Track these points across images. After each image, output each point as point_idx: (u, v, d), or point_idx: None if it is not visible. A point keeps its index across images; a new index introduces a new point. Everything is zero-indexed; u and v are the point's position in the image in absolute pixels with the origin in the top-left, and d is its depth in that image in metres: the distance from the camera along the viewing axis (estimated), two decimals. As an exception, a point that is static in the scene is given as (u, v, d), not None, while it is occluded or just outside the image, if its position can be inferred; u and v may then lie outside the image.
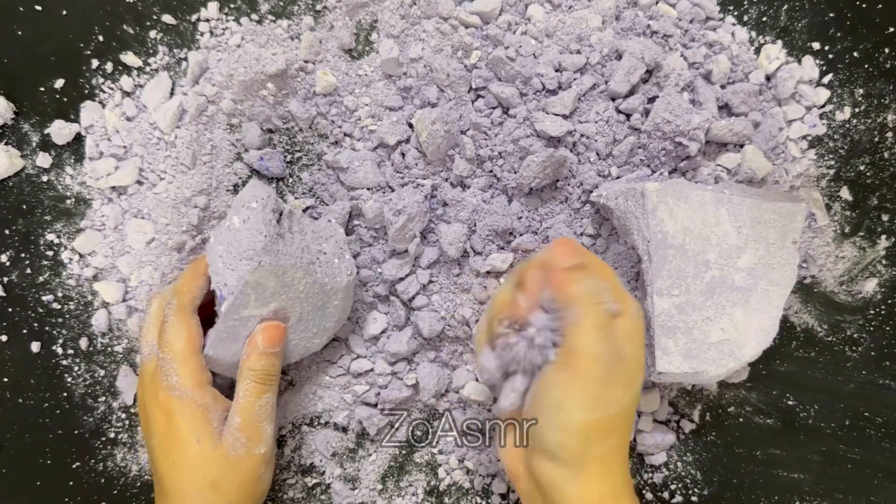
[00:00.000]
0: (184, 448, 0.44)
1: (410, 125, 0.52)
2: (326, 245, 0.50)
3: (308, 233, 0.50)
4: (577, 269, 0.40)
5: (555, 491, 0.39)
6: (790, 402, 0.57)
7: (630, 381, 0.40)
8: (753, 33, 0.54)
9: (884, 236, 0.55)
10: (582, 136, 0.51)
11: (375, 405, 0.56)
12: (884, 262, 0.56)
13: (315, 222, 0.51)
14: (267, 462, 0.47)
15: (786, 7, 0.54)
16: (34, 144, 0.53)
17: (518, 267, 0.45)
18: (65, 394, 0.54)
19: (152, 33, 0.53)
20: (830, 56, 0.54)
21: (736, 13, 0.54)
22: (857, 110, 0.54)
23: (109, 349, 0.55)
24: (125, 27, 0.53)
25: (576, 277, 0.40)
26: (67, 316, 0.54)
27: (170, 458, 0.44)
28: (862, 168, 0.55)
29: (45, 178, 0.53)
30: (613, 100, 0.51)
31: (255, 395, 0.45)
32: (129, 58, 0.53)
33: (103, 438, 0.55)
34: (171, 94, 0.53)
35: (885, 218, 0.55)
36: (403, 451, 0.58)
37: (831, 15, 0.54)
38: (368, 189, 0.53)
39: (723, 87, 0.52)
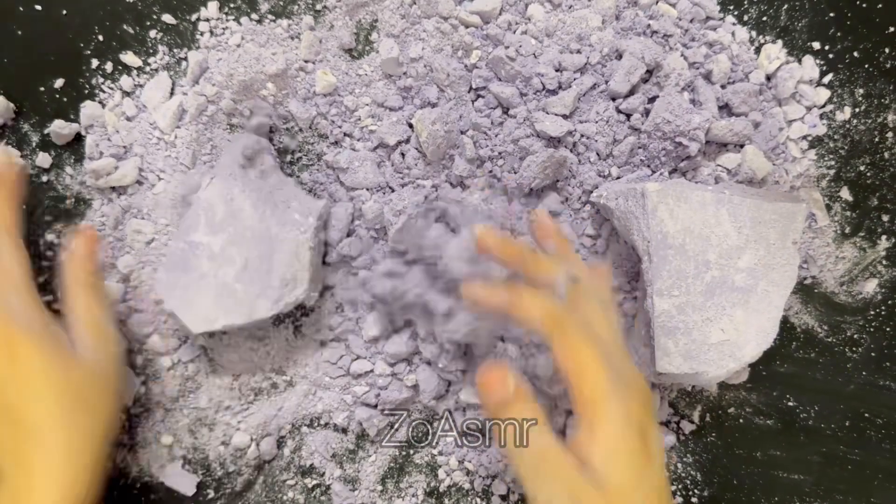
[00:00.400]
0: (45, 376, 0.41)
1: (410, 125, 0.52)
2: (295, 203, 0.50)
3: (286, 186, 0.51)
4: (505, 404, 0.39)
5: None
6: (790, 403, 0.57)
7: (656, 467, 0.38)
8: (754, 33, 0.54)
9: (884, 237, 0.55)
10: (582, 136, 0.51)
11: (375, 406, 0.56)
12: (884, 262, 0.56)
13: (300, 190, 0.52)
14: (122, 361, 0.46)
15: (786, 7, 0.54)
16: (34, 144, 0.53)
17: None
18: (64, 394, 0.54)
19: (152, 33, 0.53)
20: (831, 56, 0.54)
21: (736, 13, 0.54)
22: (857, 110, 0.54)
23: (109, 349, 0.54)
24: (125, 27, 0.53)
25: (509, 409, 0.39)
26: (67, 316, 0.54)
27: (26, 394, 0.40)
28: (862, 168, 0.55)
29: (44, 178, 0.53)
30: (614, 100, 0.51)
31: (90, 298, 0.45)
32: (128, 57, 0.53)
33: (102, 439, 0.55)
34: (171, 93, 0.53)
35: (885, 218, 0.55)
36: (403, 452, 0.58)
37: (831, 15, 0.54)
38: (368, 189, 0.53)
39: (723, 86, 0.52)
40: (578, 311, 0.41)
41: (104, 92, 0.53)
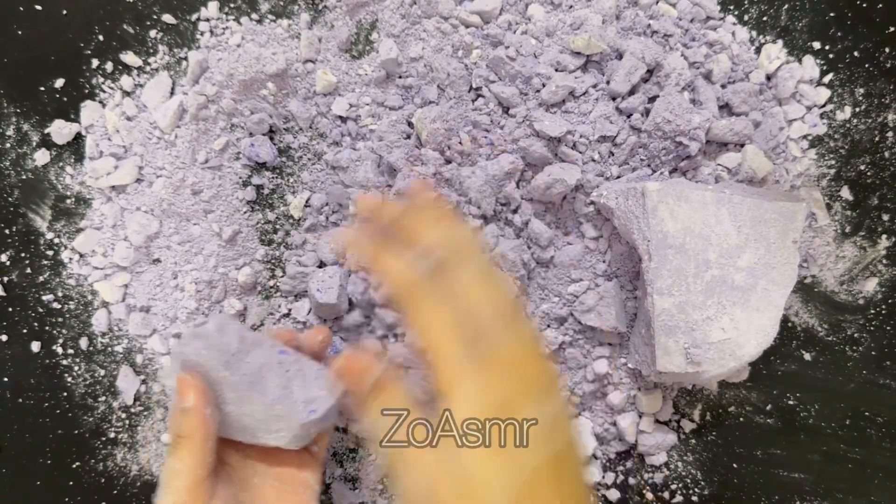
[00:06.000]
0: None
1: (410, 124, 0.52)
2: (296, 382, 0.42)
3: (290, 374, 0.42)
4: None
5: None
6: (790, 402, 0.57)
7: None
8: (754, 33, 0.54)
9: (884, 236, 0.55)
10: (582, 136, 0.51)
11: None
12: (884, 261, 0.56)
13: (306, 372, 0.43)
14: None
15: (786, 6, 0.54)
16: (34, 144, 0.53)
17: None
18: (65, 394, 0.54)
19: (152, 33, 0.53)
20: (831, 55, 0.54)
21: (736, 13, 0.54)
22: (857, 110, 0.54)
23: (109, 349, 0.55)
24: (125, 27, 0.53)
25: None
26: (67, 315, 0.54)
27: None
28: (862, 167, 0.55)
29: (45, 178, 0.53)
30: (614, 99, 0.51)
31: (168, 455, 0.38)
32: (129, 57, 0.53)
33: (103, 438, 0.55)
34: (172, 93, 0.53)
35: (885, 217, 0.55)
36: (404, 451, 0.57)
37: (832, 14, 0.54)
38: (368, 189, 0.53)
39: (723, 86, 0.52)
40: (448, 281, 0.35)
41: (104, 92, 0.53)
